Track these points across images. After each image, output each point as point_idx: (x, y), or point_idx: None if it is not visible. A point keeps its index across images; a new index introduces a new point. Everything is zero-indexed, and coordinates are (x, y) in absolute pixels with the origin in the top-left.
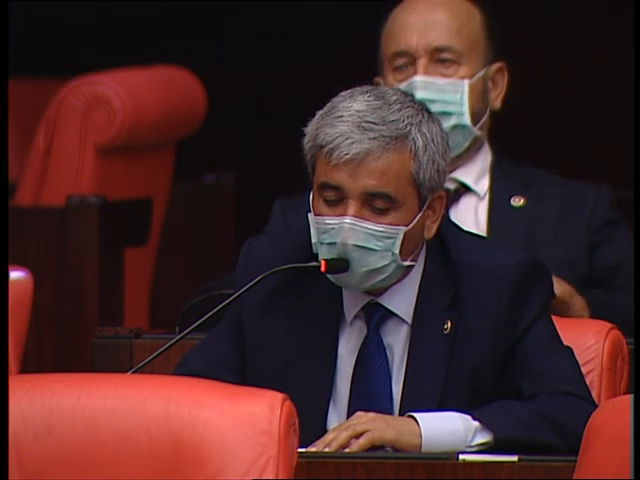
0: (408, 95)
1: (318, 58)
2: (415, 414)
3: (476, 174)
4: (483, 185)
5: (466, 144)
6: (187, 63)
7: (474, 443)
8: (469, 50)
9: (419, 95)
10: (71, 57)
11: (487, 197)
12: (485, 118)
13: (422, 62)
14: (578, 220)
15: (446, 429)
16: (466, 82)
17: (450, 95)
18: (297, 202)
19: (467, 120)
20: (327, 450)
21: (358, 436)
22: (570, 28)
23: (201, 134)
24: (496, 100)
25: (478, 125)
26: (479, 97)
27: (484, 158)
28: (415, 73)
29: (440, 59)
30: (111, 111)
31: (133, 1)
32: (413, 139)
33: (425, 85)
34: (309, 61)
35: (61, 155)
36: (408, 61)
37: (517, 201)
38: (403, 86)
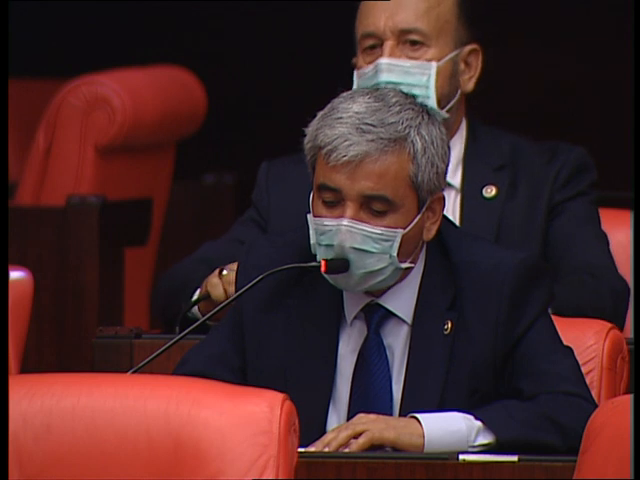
0: (409, 97)
1: (318, 58)
2: (418, 414)
3: (452, 166)
4: (458, 177)
5: None
6: (187, 63)
7: (477, 443)
8: (437, 32)
9: (384, 78)
10: (71, 57)
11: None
12: (454, 101)
13: (388, 44)
14: (542, 206)
15: (449, 429)
16: (433, 64)
17: (416, 77)
18: (282, 168)
19: (433, 103)
20: (327, 450)
21: (357, 436)
22: (570, 28)
23: (201, 134)
24: (469, 83)
25: (446, 108)
26: (447, 80)
27: (459, 147)
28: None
29: (407, 41)
30: (111, 111)
31: (133, 1)
32: (412, 141)
33: (390, 68)
34: (309, 61)
35: (61, 155)
36: (376, 43)
37: (489, 192)
38: (370, 68)
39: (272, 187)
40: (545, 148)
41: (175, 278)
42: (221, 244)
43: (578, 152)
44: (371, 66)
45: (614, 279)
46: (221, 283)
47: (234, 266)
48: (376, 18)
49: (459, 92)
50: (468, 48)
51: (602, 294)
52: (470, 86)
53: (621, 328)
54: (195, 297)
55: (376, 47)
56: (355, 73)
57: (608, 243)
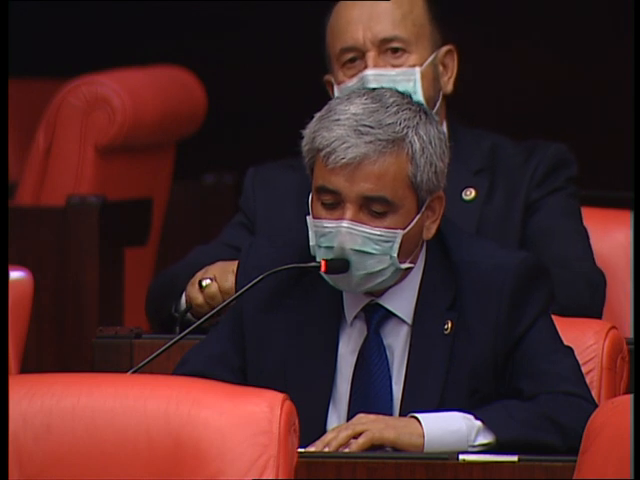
0: (406, 97)
1: (318, 58)
2: (418, 414)
3: None
4: None
5: None
6: (187, 63)
7: (477, 443)
8: (416, 37)
9: None
10: (71, 57)
11: None
12: (439, 103)
13: (371, 55)
14: (519, 205)
15: (449, 429)
16: (417, 70)
17: (403, 85)
18: (268, 173)
19: None
20: (326, 450)
21: (357, 436)
22: (570, 28)
23: (201, 134)
24: (448, 84)
25: (434, 111)
26: (431, 83)
27: None
28: (365, 67)
29: (389, 49)
30: (111, 111)
31: (133, 1)
32: (410, 142)
33: (377, 78)
34: (309, 61)
35: (61, 155)
36: (357, 55)
37: (468, 194)
38: (354, 81)
39: (258, 192)
40: (523, 147)
41: (165, 281)
42: (211, 248)
43: (555, 148)
44: (355, 79)
45: (590, 271)
46: (204, 299)
47: (214, 269)
48: (354, 32)
49: (441, 94)
50: (444, 49)
51: (578, 287)
52: (450, 87)
53: (598, 319)
54: (183, 307)
55: (356, 60)
56: (336, 88)
57: (587, 236)
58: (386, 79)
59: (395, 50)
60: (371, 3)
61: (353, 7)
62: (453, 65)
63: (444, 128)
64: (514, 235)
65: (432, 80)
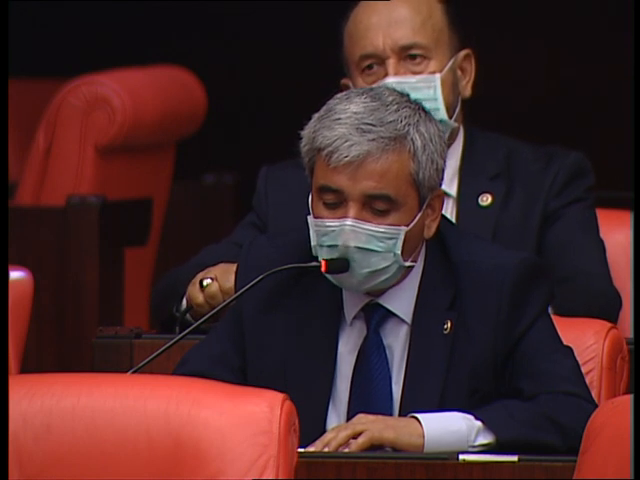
0: (404, 95)
1: (318, 58)
2: (418, 415)
3: (449, 176)
4: (455, 186)
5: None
6: (187, 63)
7: (477, 443)
8: (435, 43)
9: None
10: (71, 57)
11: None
12: (458, 109)
13: (391, 62)
14: (538, 214)
15: (449, 429)
16: (437, 76)
17: (423, 92)
18: (281, 172)
19: (444, 114)
20: (326, 450)
21: (357, 436)
22: (570, 28)
23: (201, 134)
24: (466, 88)
25: (454, 117)
26: (451, 89)
27: (456, 156)
28: (385, 73)
29: (408, 56)
30: (111, 111)
31: (133, 1)
32: (412, 139)
33: (398, 86)
34: (309, 61)
35: (61, 155)
36: (376, 62)
37: (485, 200)
38: None
39: (271, 192)
40: (541, 153)
41: (169, 281)
42: (221, 248)
43: (574, 157)
44: (375, 86)
45: (606, 285)
46: (204, 298)
47: (216, 269)
48: (373, 38)
49: (460, 99)
50: (462, 54)
51: (593, 294)
52: (468, 91)
53: None
54: (183, 307)
55: (373, 66)
56: None
57: (604, 250)
58: (407, 87)
59: (415, 57)
60: (389, 9)
61: (372, 13)
62: (471, 69)
63: (461, 133)
64: (531, 242)
65: (452, 85)
